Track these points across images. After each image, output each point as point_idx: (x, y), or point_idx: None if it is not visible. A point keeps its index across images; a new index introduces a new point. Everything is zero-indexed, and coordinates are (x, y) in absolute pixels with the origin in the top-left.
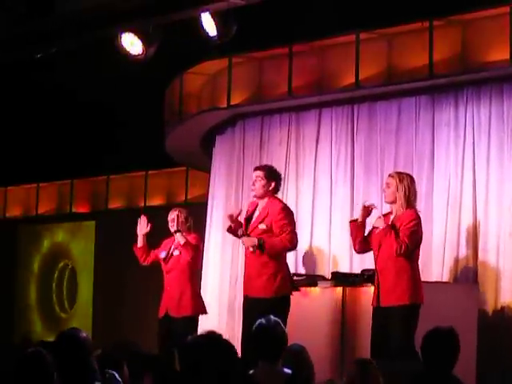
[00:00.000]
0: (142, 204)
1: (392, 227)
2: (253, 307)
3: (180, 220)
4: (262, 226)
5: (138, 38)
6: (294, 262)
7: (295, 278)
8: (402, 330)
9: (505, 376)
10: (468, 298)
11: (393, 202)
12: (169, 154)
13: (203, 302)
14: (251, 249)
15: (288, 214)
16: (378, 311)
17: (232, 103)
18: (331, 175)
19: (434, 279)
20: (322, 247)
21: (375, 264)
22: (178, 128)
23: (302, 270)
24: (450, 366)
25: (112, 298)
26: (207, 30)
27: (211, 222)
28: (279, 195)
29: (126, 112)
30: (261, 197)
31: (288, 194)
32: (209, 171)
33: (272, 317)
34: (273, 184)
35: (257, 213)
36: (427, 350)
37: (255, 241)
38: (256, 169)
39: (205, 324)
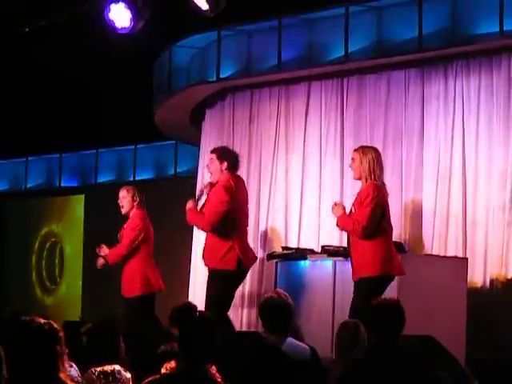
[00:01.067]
0: (131, 178)
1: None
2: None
3: (127, 200)
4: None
5: (128, 10)
6: (283, 235)
7: (285, 251)
8: (362, 302)
9: (493, 348)
10: (457, 270)
11: (359, 178)
12: (158, 127)
13: (154, 279)
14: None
15: (223, 191)
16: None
17: (221, 76)
18: (321, 148)
19: (423, 252)
20: (311, 220)
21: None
22: (167, 101)
23: (291, 244)
24: (395, 337)
25: (101, 271)
26: (198, 4)
27: (202, 196)
28: (268, 170)
29: (115, 86)
30: (217, 179)
31: (278, 168)
32: (198, 145)
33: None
34: (225, 164)
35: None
36: (374, 321)
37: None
38: (211, 151)
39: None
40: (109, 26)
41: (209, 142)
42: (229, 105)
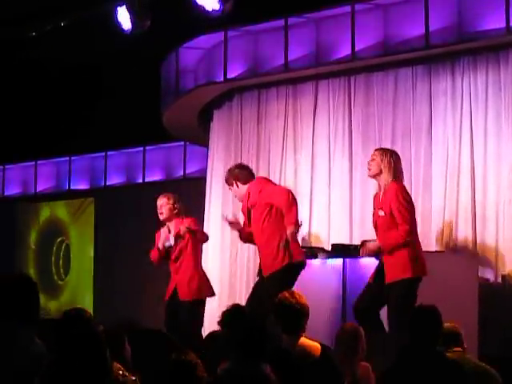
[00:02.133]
0: (141, 180)
1: (389, 217)
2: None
3: (168, 207)
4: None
5: (132, 12)
6: None
7: None
8: (400, 303)
9: (506, 345)
10: (468, 267)
11: (377, 175)
12: (166, 128)
13: (210, 284)
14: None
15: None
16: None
17: (229, 77)
18: (329, 147)
19: (433, 249)
20: (321, 219)
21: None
22: (175, 103)
23: (301, 243)
24: (434, 341)
25: (113, 274)
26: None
27: (210, 197)
28: (277, 170)
29: (123, 87)
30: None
31: (286, 167)
32: (207, 146)
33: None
34: (240, 182)
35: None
36: (414, 325)
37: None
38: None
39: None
40: (117, 28)
41: (217, 142)
42: (236, 105)
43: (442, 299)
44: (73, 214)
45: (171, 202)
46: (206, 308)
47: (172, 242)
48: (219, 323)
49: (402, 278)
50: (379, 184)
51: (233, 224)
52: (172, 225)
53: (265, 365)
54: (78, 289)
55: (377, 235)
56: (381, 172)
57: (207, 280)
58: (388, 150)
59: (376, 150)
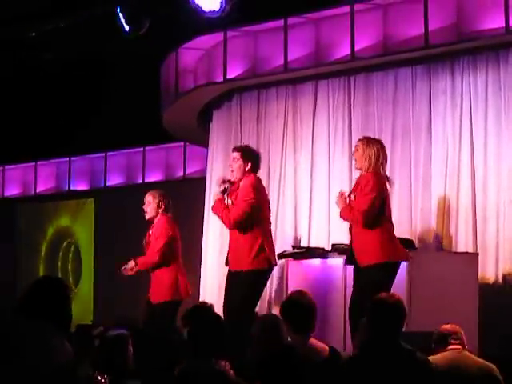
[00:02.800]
0: (141, 180)
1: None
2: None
3: (153, 206)
4: (228, 202)
5: (132, 13)
6: (293, 235)
7: (295, 250)
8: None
9: (506, 345)
10: (468, 266)
11: (361, 168)
12: (166, 129)
13: (184, 286)
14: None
15: (251, 191)
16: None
17: (228, 77)
18: (329, 147)
19: (433, 248)
20: (321, 219)
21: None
22: (174, 103)
23: (301, 243)
24: (396, 335)
25: (112, 275)
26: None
27: (210, 198)
28: (276, 170)
29: (123, 88)
30: (239, 179)
31: (286, 167)
32: (206, 146)
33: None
34: (249, 164)
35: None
36: (373, 318)
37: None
38: (233, 149)
39: (206, 299)
40: (117, 30)
41: (217, 142)
42: (236, 105)
43: (442, 299)
44: (72, 215)
45: (156, 200)
46: None
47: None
48: (181, 320)
49: (373, 263)
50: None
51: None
52: (156, 221)
53: (222, 362)
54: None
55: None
56: (363, 165)
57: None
58: (370, 140)
59: (359, 140)
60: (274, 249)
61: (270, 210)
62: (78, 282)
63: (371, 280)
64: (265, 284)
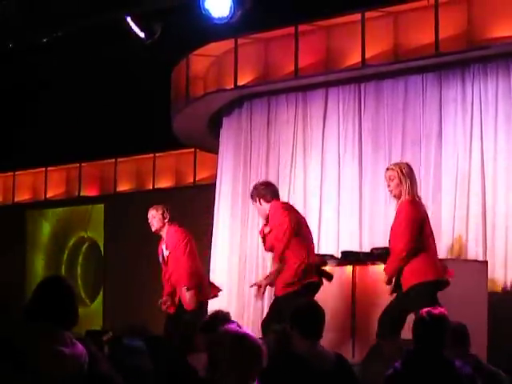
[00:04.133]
0: (151, 186)
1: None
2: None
3: (157, 218)
4: (267, 229)
5: (143, 20)
6: None
7: None
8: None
9: None
10: (477, 274)
11: (399, 197)
12: (176, 135)
13: (207, 287)
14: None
15: (281, 218)
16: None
17: (239, 84)
18: (339, 153)
19: (442, 256)
20: (330, 226)
21: None
22: (184, 110)
23: None
24: (440, 347)
25: (122, 281)
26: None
27: (219, 203)
28: (286, 176)
29: (133, 95)
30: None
31: (296, 174)
32: (217, 152)
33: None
34: (268, 197)
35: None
36: (418, 331)
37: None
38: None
39: (214, 304)
40: (129, 35)
41: (227, 149)
42: (246, 112)
43: (452, 307)
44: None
45: (160, 212)
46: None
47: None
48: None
49: (414, 283)
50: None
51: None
52: (164, 233)
53: None
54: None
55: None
56: (401, 194)
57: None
58: (402, 165)
59: (389, 168)
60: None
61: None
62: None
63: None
64: None
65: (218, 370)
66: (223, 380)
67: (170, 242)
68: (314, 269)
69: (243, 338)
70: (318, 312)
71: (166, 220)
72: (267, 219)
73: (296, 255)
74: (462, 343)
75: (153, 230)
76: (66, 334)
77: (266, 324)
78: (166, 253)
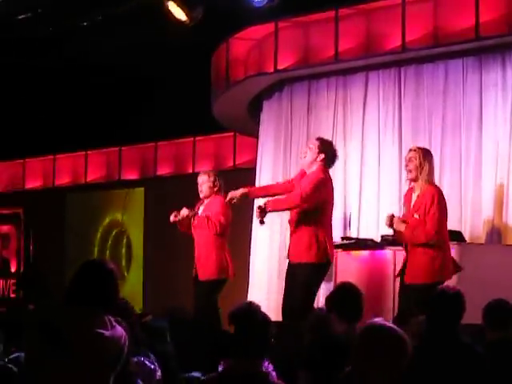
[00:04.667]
0: (191, 170)
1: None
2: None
3: (208, 185)
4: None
5: (183, 3)
6: (342, 225)
7: (345, 241)
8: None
9: None
10: None
11: (416, 180)
12: (216, 119)
13: (230, 266)
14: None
15: (321, 184)
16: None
17: (279, 68)
18: (379, 138)
19: (482, 241)
20: (370, 210)
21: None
22: (225, 93)
23: (351, 234)
24: (455, 326)
25: (162, 265)
26: None
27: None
28: None
29: (174, 78)
30: (308, 167)
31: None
32: (257, 136)
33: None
34: (322, 156)
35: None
36: (433, 309)
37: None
38: (316, 139)
39: (255, 294)
40: (168, 20)
41: (267, 133)
42: (286, 96)
43: (493, 292)
44: (122, 205)
45: (212, 179)
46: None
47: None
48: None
49: (422, 282)
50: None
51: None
52: (207, 201)
53: (265, 363)
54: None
55: None
56: (418, 177)
57: (226, 261)
58: (425, 150)
59: (412, 149)
60: (332, 244)
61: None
62: (128, 269)
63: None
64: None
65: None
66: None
67: (212, 208)
68: None
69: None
70: (356, 296)
71: (216, 189)
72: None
73: None
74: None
75: (201, 195)
76: (106, 317)
77: None
78: (202, 214)
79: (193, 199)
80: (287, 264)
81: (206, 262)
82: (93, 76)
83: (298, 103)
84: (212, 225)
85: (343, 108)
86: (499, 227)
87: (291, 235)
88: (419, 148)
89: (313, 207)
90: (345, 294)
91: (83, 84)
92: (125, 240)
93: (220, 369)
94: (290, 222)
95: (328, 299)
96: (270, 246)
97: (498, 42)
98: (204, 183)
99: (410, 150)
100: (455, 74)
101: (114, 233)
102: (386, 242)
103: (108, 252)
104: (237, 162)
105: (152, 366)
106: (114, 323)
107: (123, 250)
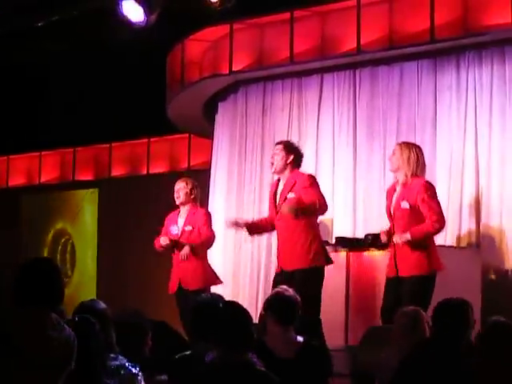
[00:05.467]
0: (145, 171)
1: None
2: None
3: (185, 191)
4: (291, 195)
5: (139, 4)
6: None
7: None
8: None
9: None
10: (472, 261)
11: (397, 170)
12: (171, 120)
13: (215, 273)
14: (286, 210)
15: (315, 181)
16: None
17: (234, 69)
18: (334, 140)
19: (436, 243)
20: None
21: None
22: (180, 95)
23: None
24: (459, 336)
25: (116, 266)
26: None
27: (214, 189)
28: None
29: (128, 79)
30: (280, 171)
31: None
32: (211, 138)
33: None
34: (291, 157)
35: (281, 186)
36: (437, 319)
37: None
38: (276, 143)
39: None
40: (122, 21)
41: (222, 134)
42: (241, 97)
43: (445, 294)
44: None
45: (189, 187)
46: None
47: (166, 241)
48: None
49: (418, 274)
50: (397, 178)
51: (237, 224)
52: (185, 210)
53: (250, 354)
54: (82, 284)
55: (395, 227)
56: (399, 167)
57: (212, 269)
58: (409, 143)
59: (397, 144)
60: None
61: None
62: (73, 270)
63: (418, 290)
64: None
65: None
66: None
67: (195, 223)
68: None
69: None
70: (290, 298)
71: (193, 197)
72: (289, 186)
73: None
74: None
75: (177, 202)
76: (53, 317)
77: None
78: (186, 228)
79: (147, 200)
80: (279, 272)
81: (193, 273)
82: (43, 77)
83: (253, 105)
84: (205, 241)
85: (298, 110)
86: (453, 230)
87: (285, 242)
88: (404, 142)
89: None
90: (281, 299)
91: (34, 85)
92: (69, 247)
93: (208, 359)
94: (282, 229)
95: (265, 301)
96: (224, 245)
97: (452, 45)
98: (181, 190)
99: (395, 145)
100: (410, 76)
101: (63, 239)
102: (340, 243)
103: (58, 255)
104: (191, 164)
105: (134, 370)
106: (63, 324)
107: (68, 256)
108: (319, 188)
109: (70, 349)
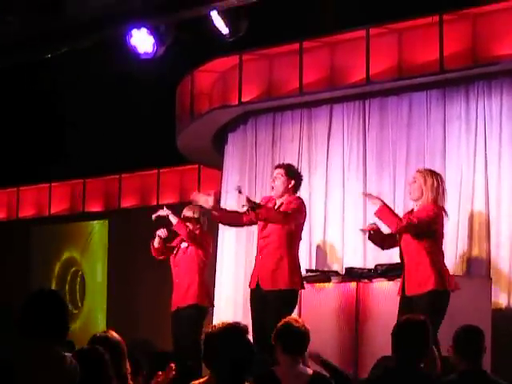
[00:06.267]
0: (155, 202)
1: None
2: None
3: (191, 217)
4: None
5: (150, 35)
6: (307, 257)
7: (309, 274)
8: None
9: None
10: (481, 291)
11: (419, 199)
12: (181, 152)
13: (211, 294)
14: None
15: (301, 204)
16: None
17: (243, 100)
18: (343, 171)
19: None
20: (335, 243)
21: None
22: (189, 126)
23: (315, 266)
24: (418, 357)
25: (126, 297)
26: (219, 28)
27: None
28: None
29: (138, 111)
30: (281, 195)
31: (301, 190)
32: (221, 168)
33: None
34: (292, 182)
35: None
36: (397, 339)
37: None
38: (276, 167)
39: (222, 317)
40: (131, 52)
41: (231, 165)
42: (251, 128)
43: (454, 324)
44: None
45: (196, 215)
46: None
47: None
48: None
49: (426, 291)
50: (416, 206)
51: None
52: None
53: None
54: (92, 315)
55: (404, 252)
56: (422, 195)
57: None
58: (431, 170)
59: (418, 171)
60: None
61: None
62: (82, 301)
63: (426, 308)
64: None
65: None
66: None
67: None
68: None
69: None
70: (299, 328)
71: (198, 226)
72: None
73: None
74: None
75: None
76: (55, 349)
77: None
78: (181, 244)
79: (156, 231)
80: (255, 291)
81: (187, 290)
82: (54, 109)
83: (263, 135)
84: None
85: (308, 140)
86: (463, 260)
87: (265, 260)
88: (426, 169)
89: (293, 228)
90: (290, 329)
91: (45, 116)
92: (79, 278)
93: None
94: (263, 247)
95: (274, 333)
96: (235, 274)
97: (461, 75)
98: (189, 219)
99: (416, 172)
100: (419, 107)
101: (72, 269)
102: (349, 274)
103: (67, 286)
104: None
105: None
106: (67, 356)
107: (77, 287)
108: (300, 207)
109: (72, 380)
